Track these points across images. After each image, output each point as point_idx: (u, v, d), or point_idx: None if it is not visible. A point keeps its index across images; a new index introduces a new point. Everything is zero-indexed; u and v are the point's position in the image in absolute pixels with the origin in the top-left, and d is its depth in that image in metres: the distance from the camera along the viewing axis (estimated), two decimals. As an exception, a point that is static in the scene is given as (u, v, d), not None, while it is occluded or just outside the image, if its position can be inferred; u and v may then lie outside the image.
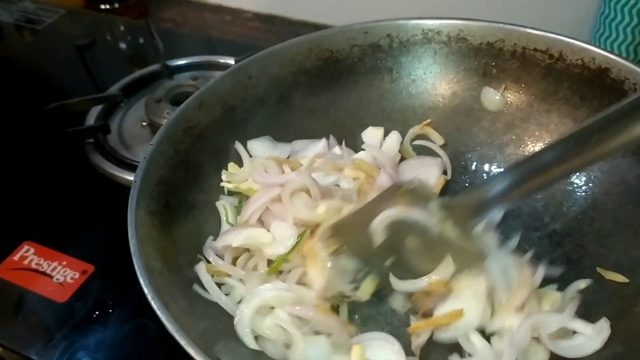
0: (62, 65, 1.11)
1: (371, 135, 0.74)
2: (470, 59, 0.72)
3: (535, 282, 0.56)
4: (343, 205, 0.60)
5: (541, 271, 0.57)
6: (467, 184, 0.73)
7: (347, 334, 0.56)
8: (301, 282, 0.58)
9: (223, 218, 0.65)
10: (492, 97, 0.72)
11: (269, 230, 0.61)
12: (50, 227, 0.81)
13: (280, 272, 0.61)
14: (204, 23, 1.31)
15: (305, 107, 0.74)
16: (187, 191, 0.63)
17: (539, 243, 0.65)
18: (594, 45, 0.83)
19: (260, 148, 0.70)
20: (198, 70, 1.00)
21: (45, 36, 1.19)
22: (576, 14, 0.92)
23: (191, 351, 0.44)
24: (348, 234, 0.58)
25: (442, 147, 0.74)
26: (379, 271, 0.58)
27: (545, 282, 0.59)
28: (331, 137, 0.72)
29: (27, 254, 0.76)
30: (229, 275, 0.60)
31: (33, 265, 0.75)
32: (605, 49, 0.68)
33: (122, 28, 1.18)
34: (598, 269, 0.60)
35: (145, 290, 0.48)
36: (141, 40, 1.14)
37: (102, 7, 1.25)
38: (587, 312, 0.56)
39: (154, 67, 1.01)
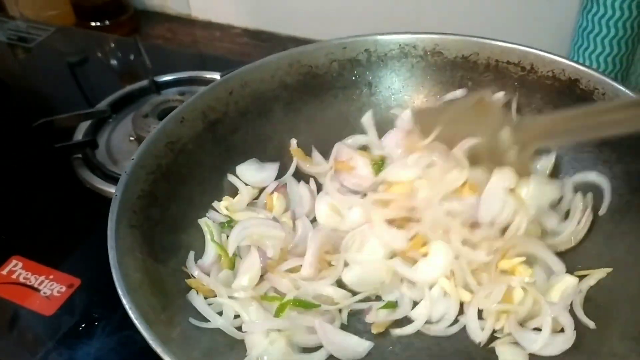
0: (53, 83, 1.13)
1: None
2: (446, 72, 0.74)
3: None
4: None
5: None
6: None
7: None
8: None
9: (207, 237, 0.66)
10: (468, 109, 0.74)
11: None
12: (38, 242, 0.82)
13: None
14: (193, 39, 1.33)
15: (286, 121, 0.76)
16: (170, 205, 0.64)
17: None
18: (571, 57, 0.85)
19: (248, 172, 0.72)
20: (185, 85, 1.01)
21: (36, 54, 1.20)
22: (556, 28, 0.94)
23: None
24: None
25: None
26: None
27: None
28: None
29: (15, 268, 0.77)
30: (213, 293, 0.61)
31: (21, 280, 0.76)
32: (581, 63, 0.70)
33: (112, 45, 1.20)
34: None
35: (124, 300, 0.49)
36: (131, 57, 1.16)
37: (93, 24, 1.27)
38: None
39: (142, 83, 1.03)
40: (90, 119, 0.96)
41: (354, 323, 0.61)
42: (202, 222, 0.67)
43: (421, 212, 0.62)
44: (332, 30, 1.06)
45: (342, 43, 0.75)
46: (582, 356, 0.54)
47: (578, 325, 0.56)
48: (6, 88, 1.14)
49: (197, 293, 0.60)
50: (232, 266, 0.64)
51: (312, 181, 0.73)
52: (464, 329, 0.59)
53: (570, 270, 0.61)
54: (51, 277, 0.76)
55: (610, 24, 0.90)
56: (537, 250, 0.61)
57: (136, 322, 0.48)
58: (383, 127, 0.77)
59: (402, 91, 0.76)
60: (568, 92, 0.67)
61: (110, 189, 0.86)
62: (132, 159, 0.61)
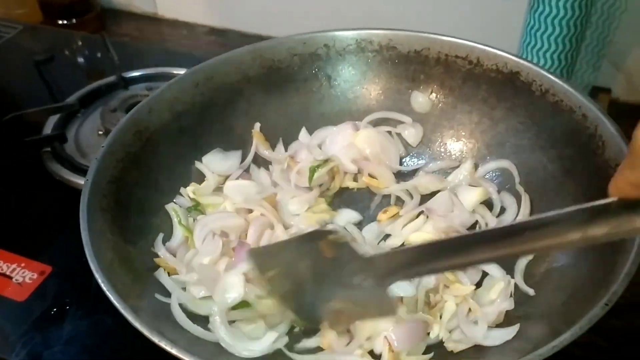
0: (21, 80, 1.14)
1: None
2: (400, 66, 0.79)
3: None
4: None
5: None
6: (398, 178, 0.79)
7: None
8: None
9: (175, 220, 0.69)
10: (420, 100, 0.79)
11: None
12: (10, 232, 0.84)
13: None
14: (160, 37, 1.35)
15: (249, 112, 0.79)
16: (138, 190, 0.67)
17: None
18: (520, 54, 0.91)
19: (214, 160, 0.76)
20: (152, 81, 1.04)
21: (4, 52, 1.21)
22: (507, 27, 1.00)
23: (137, 325, 0.48)
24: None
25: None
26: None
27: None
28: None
29: (-12, 257, 0.80)
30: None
31: (-6, 268, 0.78)
32: (529, 60, 0.75)
33: (79, 42, 1.22)
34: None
35: (96, 275, 0.52)
36: (98, 54, 1.18)
37: (60, 22, 1.29)
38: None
39: (110, 78, 1.06)
40: (59, 112, 0.98)
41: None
42: (169, 207, 0.71)
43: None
44: (296, 28, 1.10)
45: (302, 39, 0.80)
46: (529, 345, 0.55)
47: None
48: (-27, 85, 1.15)
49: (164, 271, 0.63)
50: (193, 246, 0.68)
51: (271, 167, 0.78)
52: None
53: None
54: (23, 265, 0.79)
55: (555, 23, 0.96)
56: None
57: (108, 294, 0.51)
58: (341, 117, 0.81)
59: (359, 83, 0.81)
60: (510, 84, 0.72)
61: (80, 181, 0.89)
62: (102, 147, 0.64)
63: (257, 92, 0.79)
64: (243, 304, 0.60)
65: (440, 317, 0.60)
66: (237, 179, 0.75)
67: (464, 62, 0.75)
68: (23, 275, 0.78)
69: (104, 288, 0.51)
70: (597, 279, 0.52)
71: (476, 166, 0.75)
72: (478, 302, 0.61)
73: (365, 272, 0.51)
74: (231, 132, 0.78)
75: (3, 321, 0.74)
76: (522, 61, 0.71)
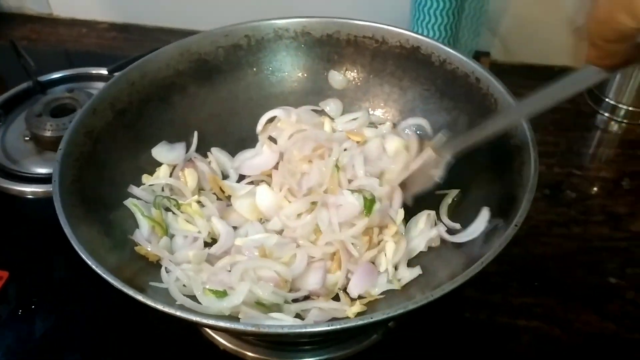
0: None
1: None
2: (315, 49, 0.88)
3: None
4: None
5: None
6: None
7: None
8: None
9: (138, 214, 0.74)
10: (337, 78, 0.89)
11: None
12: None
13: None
14: (59, 38, 1.34)
15: (183, 104, 0.85)
16: (98, 187, 0.72)
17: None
18: (412, 28, 1.03)
19: (161, 152, 0.81)
20: (71, 82, 1.06)
21: None
22: (398, 6, 1.11)
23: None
24: None
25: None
26: None
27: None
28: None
29: (-60, 270, 0.81)
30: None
31: (-51, 280, 0.80)
32: (420, 33, 0.87)
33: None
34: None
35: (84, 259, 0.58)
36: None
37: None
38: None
39: (25, 84, 1.06)
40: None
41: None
42: (128, 203, 0.74)
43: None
44: (196, 19, 1.16)
45: (224, 31, 0.86)
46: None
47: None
48: None
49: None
50: (166, 232, 0.74)
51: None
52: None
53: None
54: (-22, 273, 0.81)
55: (440, -1, 1.09)
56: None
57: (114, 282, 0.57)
58: (268, 100, 0.89)
59: (280, 68, 0.89)
60: (413, 57, 0.83)
61: (16, 187, 0.91)
62: (60, 149, 0.69)
63: (189, 85, 0.85)
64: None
65: (385, 254, 0.72)
66: (183, 169, 0.81)
67: (371, 41, 0.86)
68: (-20, 283, 0.80)
69: (110, 280, 0.57)
70: (505, 210, 0.65)
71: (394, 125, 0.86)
72: (410, 235, 0.74)
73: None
74: (171, 125, 0.83)
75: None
76: (421, 37, 0.83)
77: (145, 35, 1.32)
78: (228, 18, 0.88)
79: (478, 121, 0.70)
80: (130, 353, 0.75)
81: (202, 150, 0.85)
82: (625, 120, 1.05)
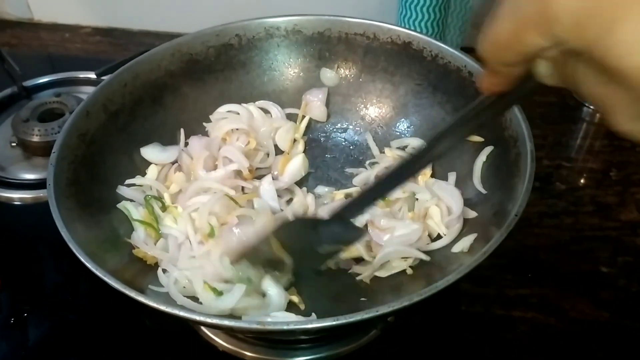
0: None
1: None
2: (307, 47, 0.88)
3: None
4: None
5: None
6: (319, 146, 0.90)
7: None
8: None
9: (130, 218, 0.73)
10: (329, 75, 0.89)
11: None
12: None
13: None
14: (42, 42, 1.32)
15: (175, 105, 0.85)
16: (93, 189, 0.71)
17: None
18: (399, 25, 1.03)
19: (152, 153, 0.80)
20: (58, 87, 1.05)
21: None
22: (385, 3, 1.12)
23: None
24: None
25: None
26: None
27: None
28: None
29: None
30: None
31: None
32: (409, 28, 0.87)
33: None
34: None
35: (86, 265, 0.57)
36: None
37: None
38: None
39: (9, 90, 1.05)
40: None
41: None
42: (121, 206, 0.73)
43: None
44: (181, 22, 1.15)
45: (215, 31, 0.86)
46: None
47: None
48: None
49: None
50: (159, 233, 0.73)
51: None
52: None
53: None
54: (-33, 283, 0.79)
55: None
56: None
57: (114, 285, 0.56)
58: (260, 99, 0.89)
59: (272, 67, 0.89)
60: (404, 53, 0.84)
61: (3, 194, 0.90)
62: (54, 152, 0.68)
63: (181, 86, 0.85)
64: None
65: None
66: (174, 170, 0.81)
67: (362, 38, 0.86)
68: (-29, 292, 0.79)
69: (111, 283, 0.56)
70: (505, 203, 0.66)
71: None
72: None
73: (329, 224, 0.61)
74: (163, 126, 0.83)
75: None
76: (412, 32, 0.83)
77: (130, 39, 1.31)
78: (212, 21, 0.87)
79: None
80: (127, 359, 0.74)
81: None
82: (610, 112, 1.06)
